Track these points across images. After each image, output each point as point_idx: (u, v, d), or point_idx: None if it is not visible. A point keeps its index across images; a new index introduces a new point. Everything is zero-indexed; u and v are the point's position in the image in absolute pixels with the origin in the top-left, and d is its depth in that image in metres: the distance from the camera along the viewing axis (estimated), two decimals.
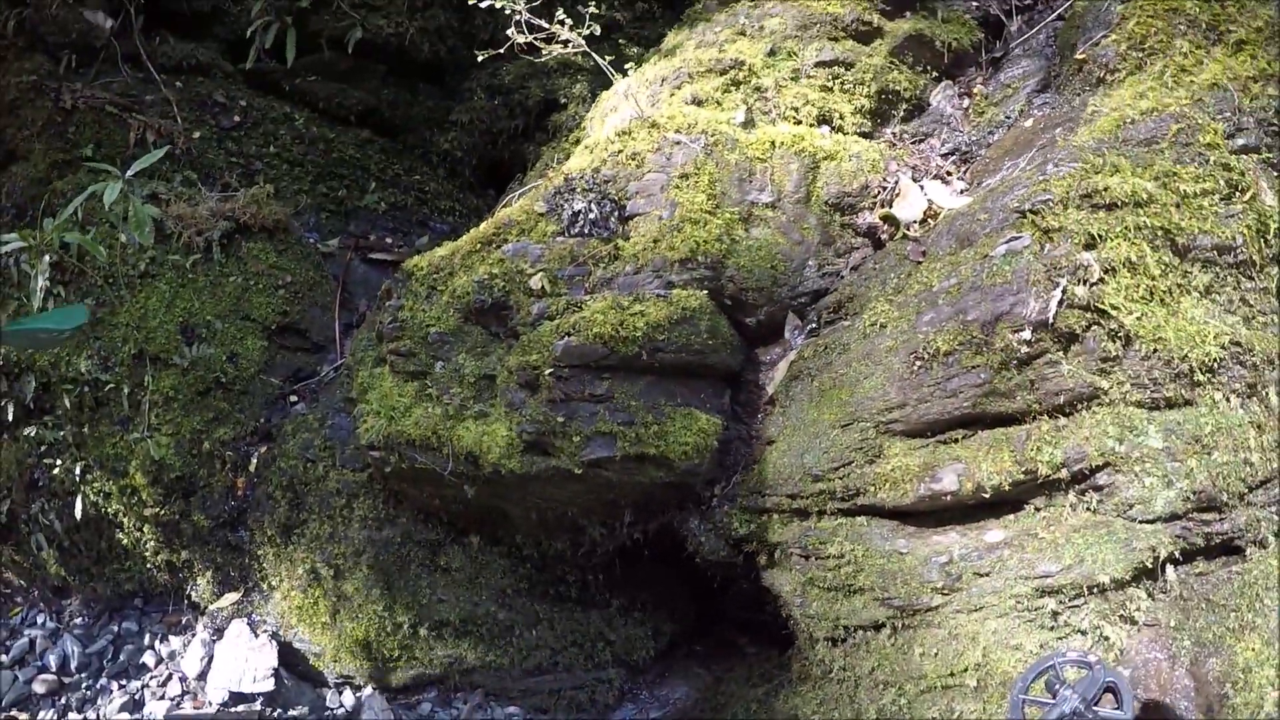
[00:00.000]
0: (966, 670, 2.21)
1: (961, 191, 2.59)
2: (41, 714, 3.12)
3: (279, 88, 3.84)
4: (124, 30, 3.59)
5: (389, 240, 3.89)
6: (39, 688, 3.23)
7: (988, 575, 2.18)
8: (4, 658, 3.31)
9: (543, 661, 2.96)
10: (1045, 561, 2.15)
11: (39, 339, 2.18)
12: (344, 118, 3.92)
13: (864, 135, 2.86)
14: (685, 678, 3.02)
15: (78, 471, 3.14)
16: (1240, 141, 2.31)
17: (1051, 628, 2.16)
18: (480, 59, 2.98)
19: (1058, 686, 2.00)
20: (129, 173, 2.56)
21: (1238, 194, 2.25)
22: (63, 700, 3.17)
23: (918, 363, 2.24)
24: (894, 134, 2.87)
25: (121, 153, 3.44)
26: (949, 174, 2.66)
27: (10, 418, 3.24)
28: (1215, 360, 2.14)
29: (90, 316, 3.00)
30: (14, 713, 3.17)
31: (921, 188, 2.56)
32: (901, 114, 2.94)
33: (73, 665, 3.26)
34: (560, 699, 2.97)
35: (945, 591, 2.21)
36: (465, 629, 2.97)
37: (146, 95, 3.58)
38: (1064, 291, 2.09)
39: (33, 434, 3.19)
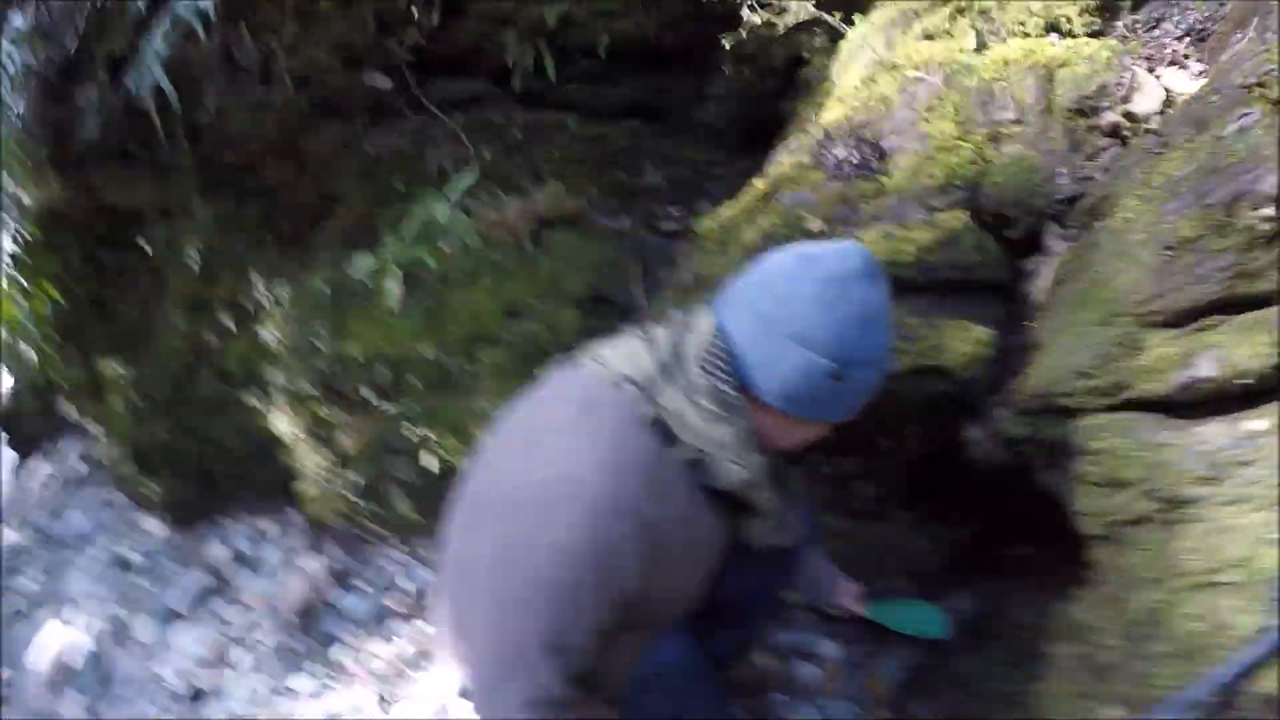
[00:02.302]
0: (1228, 566, 2.32)
1: (1199, 74, 2.65)
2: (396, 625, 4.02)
3: (547, 100, 4.45)
4: (402, 85, 4.31)
5: (674, 211, 4.39)
6: (394, 605, 4.15)
7: (1249, 464, 2.31)
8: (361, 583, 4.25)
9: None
10: None
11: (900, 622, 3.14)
12: (611, 114, 4.52)
13: (1094, 34, 3.00)
14: (970, 587, 3.30)
15: (429, 434, 3.90)
16: None
17: None
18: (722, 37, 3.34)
19: None
20: (452, 194, 3.15)
21: None
22: (416, 617, 4.05)
23: (1167, 252, 2.41)
24: (1125, 26, 2.98)
25: (427, 182, 4.11)
26: (1186, 57, 2.74)
27: (363, 397, 3.98)
28: None
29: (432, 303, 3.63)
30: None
31: (1157, 77, 2.68)
32: (1130, 3, 2.99)
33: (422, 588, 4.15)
34: None
35: (1207, 482, 2.36)
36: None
37: (434, 130, 4.29)
38: None
39: (390, 410, 3.96)
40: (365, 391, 3.99)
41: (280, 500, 4.79)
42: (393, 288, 3.81)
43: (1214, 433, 2.41)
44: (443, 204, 3.07)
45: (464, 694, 3.41)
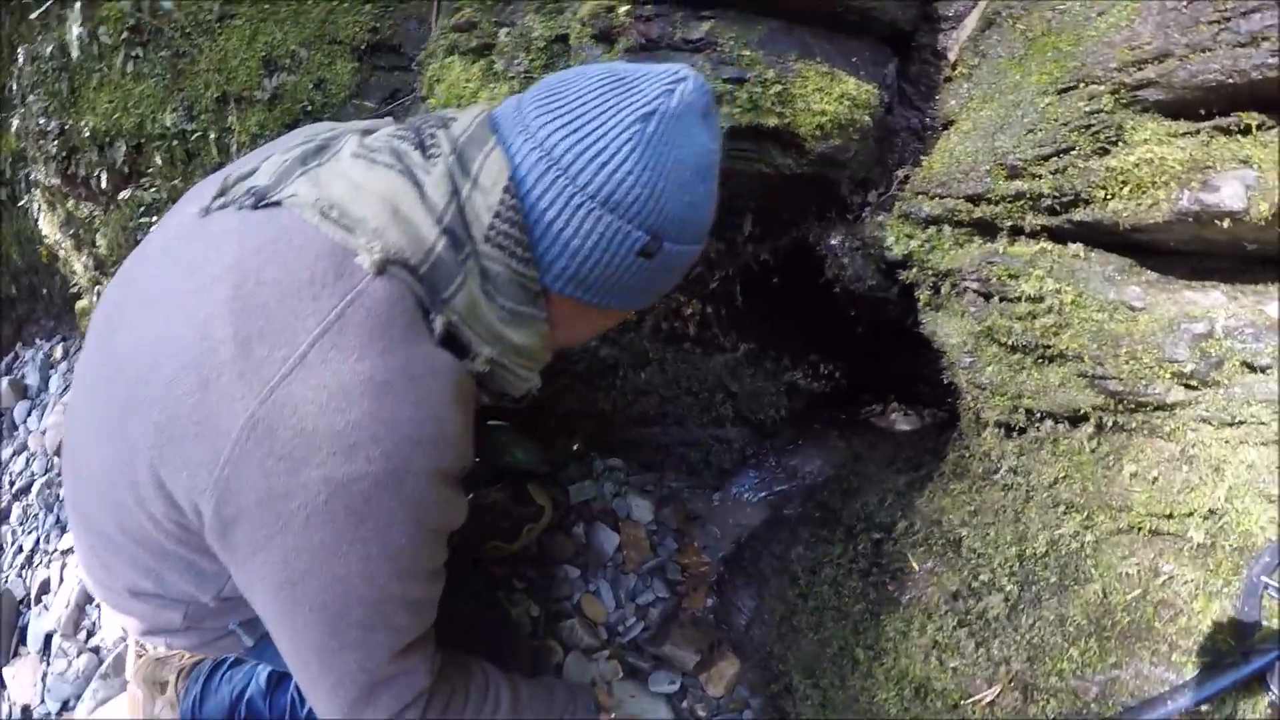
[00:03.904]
0: (1193, 515, 1.54)
1: None
2: None
3: None
4: None
5: None
6: None
7: (1264, 372, 1.41)
8: None
9: (650, 410, 2.47)
10: None
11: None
12: None
13: None
14: (821, 449, 2.45)
15: None
16: None
17: None
18: None
19: None
20: None
21: None
22: None
23: None
24: None
25: None
26: None
27: (105, 185, 3.10)
28: None
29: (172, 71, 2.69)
30: None
31: None
32: None
33: None
34: (669, 456, 2.50)
35: (1193, 382, 1.48)
36: (560, 366, 2.49)
37: None
38: None
39: (129, 196, 3.09)
40: (104, 177, 3.08)
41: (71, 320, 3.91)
42: (120, 48, 2.81)
43: (1216, 305, 1.47)
44: None
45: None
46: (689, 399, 2.45)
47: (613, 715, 2.07)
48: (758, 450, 2.47)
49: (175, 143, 3.06)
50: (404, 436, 1.23)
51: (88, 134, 3.18)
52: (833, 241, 1.97)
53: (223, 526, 1.25)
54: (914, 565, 1.94)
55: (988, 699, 1.74)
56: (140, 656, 2.17)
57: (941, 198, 1.73)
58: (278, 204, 1.30)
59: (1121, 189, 1.51)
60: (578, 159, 1.30)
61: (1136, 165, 1.50)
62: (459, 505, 1.37)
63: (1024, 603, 1.73)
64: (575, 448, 2.56)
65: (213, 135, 3.02)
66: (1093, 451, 1.67)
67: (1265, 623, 1.46)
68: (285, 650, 1.37)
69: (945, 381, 1.89)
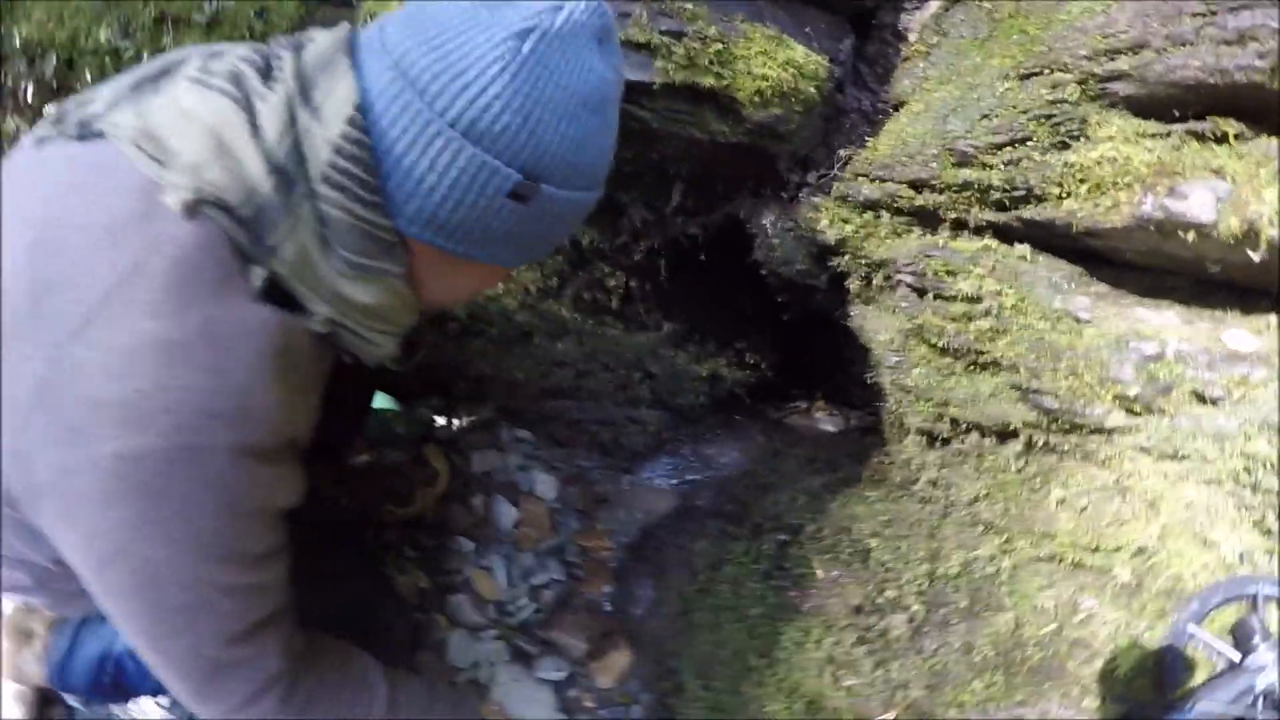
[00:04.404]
0: (1121, 551, 1.36)
1: None
2: None
3: None
4: None
5: None
6: None
7: (1215, 405, 1.24)
8: None
9: (564, 383, 2.23)
10: None
11: None
12: None
13: None
14: (740, 441, 2.25)
15: None
16: None
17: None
18: None
19: (1252, 630, 1.20)
20: None
21: None
22: None
23: None
24: None
25: None
26: None
27: (30, 98, 2.81)
28: None
29: None
30: None
31: None
32: None
33: None
34: (581, 433, 2.27)
35: (1136, 408, 1.29)
36: (473, 327, 2.25)
37: None
38: None
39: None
40: (31, 89, 2.77)
41: None
42: None
43: (1169, 328, 1.28)
44: None
45: None
46: (606, 375, 2.22)
47: None
48: (674, 436, 2.25)
49: (108, 59, 2.77)
50: (198, 408, 1.02)
51: (19, 44, 2.89)
52: (765, 220, 1.75)
53: (30, 500, 1.07)
54: (818, 572, 1.75)
55: None
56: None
57: (883, 181, 1.52)
58: (100, 135, 1.06)
59: (1079, 187, 1.31)
60: (436, 79, 1.05)
61: (1098, 163, 1.30)
62: (283, 483, 1.14)
63: (930, 625, 1.54)
64: (483, 415, 2.33)
65: (146, 54, 2.73)
66: (1019, 471, 1.48)
67: (1185, 676, 1.28)
68: (123, 633, 1.20)
69: (869, 381, 1.69)
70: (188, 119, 1.05)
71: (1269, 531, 1.29)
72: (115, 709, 2.10)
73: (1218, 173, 1.25)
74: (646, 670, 2.12)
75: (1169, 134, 1.31)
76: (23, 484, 1.06)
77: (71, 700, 2.11)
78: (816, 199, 1.65)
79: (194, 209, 1.02)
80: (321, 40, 1.11)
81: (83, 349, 0.99)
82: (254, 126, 1.05)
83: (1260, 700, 1.19)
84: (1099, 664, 1.34)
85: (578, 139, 1.10)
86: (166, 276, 1.02)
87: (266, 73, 1.09)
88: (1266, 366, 1.25)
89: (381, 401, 2.15)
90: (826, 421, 2.26)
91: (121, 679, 1.95)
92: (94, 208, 1.04)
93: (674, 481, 2.27)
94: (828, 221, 1.60)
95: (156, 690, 1.97)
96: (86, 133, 1.08)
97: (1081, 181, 1.31)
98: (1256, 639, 1.22)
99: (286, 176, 1.06)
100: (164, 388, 1.01)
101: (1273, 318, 1.32)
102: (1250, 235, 1.22)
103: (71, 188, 1.05)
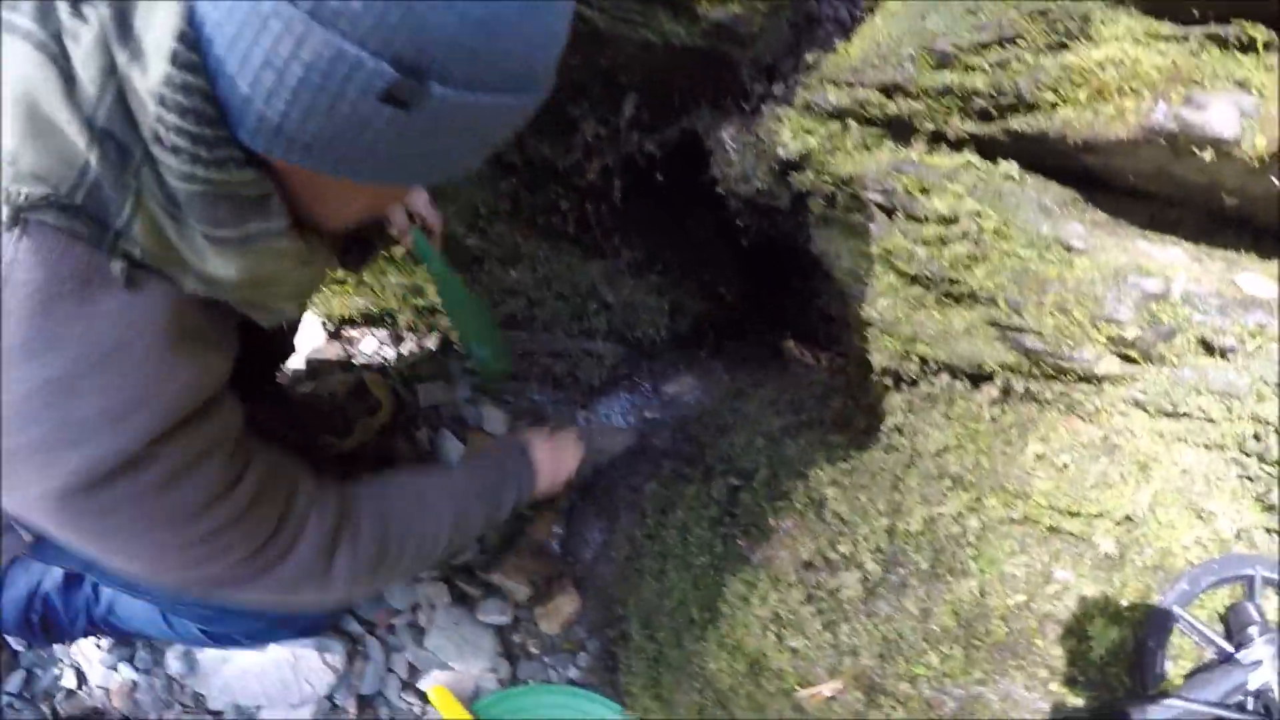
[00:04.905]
0: (1104, 518, 1.13)
1: None
2: None
3: None
4: None
5: None
6: None
7: (1224, 357, 1.01)
8: None
9: (518, 312, 2.02)
10: None
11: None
12: None
13: None
14: (703, 378, 2.02)
15: None
16: None
17: None
18: None
19: (1248, 618, 1.00)
20: None
21: None
22: None
23: None
24: None
25: None
26: None
27: None
28: None
29: None
30: None
31: None
32: None
33: None
34: (533, 365, 2.05)
35: (1133, 353, 1.05)
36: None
37: None
38: None
39: None
40: None
41: None
42: None
43: (1176, 265, 1.04)
44: None
45: None
46: (559, 304, 1.99)
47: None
48: (632, 371, 2.02)
49: None
50: (107, 426, 0.89)
51: None
52: (724, 134, 1.50)
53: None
54: (771, 522, 1.53)
55: (825, 693, 1.35)
56: None
57: (851, 86, 1.26)
58: None
59: (1077, 93, 1.06)
60: None
61: (1101, 65, 1.05)
62: (223, 417, 1.02)
63: (886, 587, 1.32)
64: (429, 345, 2.11)
65: None
66: (993, 420, 1.25)
67: (1169, 665, 1.07)
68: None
69: (834, 315, 1.46)
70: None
71: (1271, 507, 1.07)
72: (59, 652, 1.93)
73: (1242, 85, 1.00)
74: (594, 617, 1.93)
75: (1186, 37, 1.06)
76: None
77: (15, 644, 1.95)
78: (781, 110, 1.40)
79: (18, 222, 0.80)
80: None
81: None
82: (68, 82, 0.80)
83: (1251, 700, 0.99)
84: (1070, 644, 1.13)
85: (484, 20, 0.76)
86: (23, 310, 0.83)
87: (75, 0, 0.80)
88: None
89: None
90: (797, 361, 2.03)
91: (50, 617, 1.81)
92: None
93: (632, 420, 2.05)
94: (790, 133, 1.35)
95: (87, 632, 1.83)
96: None
97: (1080, 86, 1.06)
98: (1252, 629, 1.00)
99: (115, 141, 0.81)
100: (65, 423, 0.89)
101: None
102: (1278, 157, 0.99)
103: None
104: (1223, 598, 1.09)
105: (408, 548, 1.28)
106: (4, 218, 0.79)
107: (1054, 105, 1.07)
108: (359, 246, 1.15)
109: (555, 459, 1.61)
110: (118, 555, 1.02)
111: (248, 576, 1.11)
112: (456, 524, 1.36)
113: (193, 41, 0.76)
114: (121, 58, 0.78)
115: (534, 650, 1.92)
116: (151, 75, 0.77)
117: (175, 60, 0.76)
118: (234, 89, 0.77)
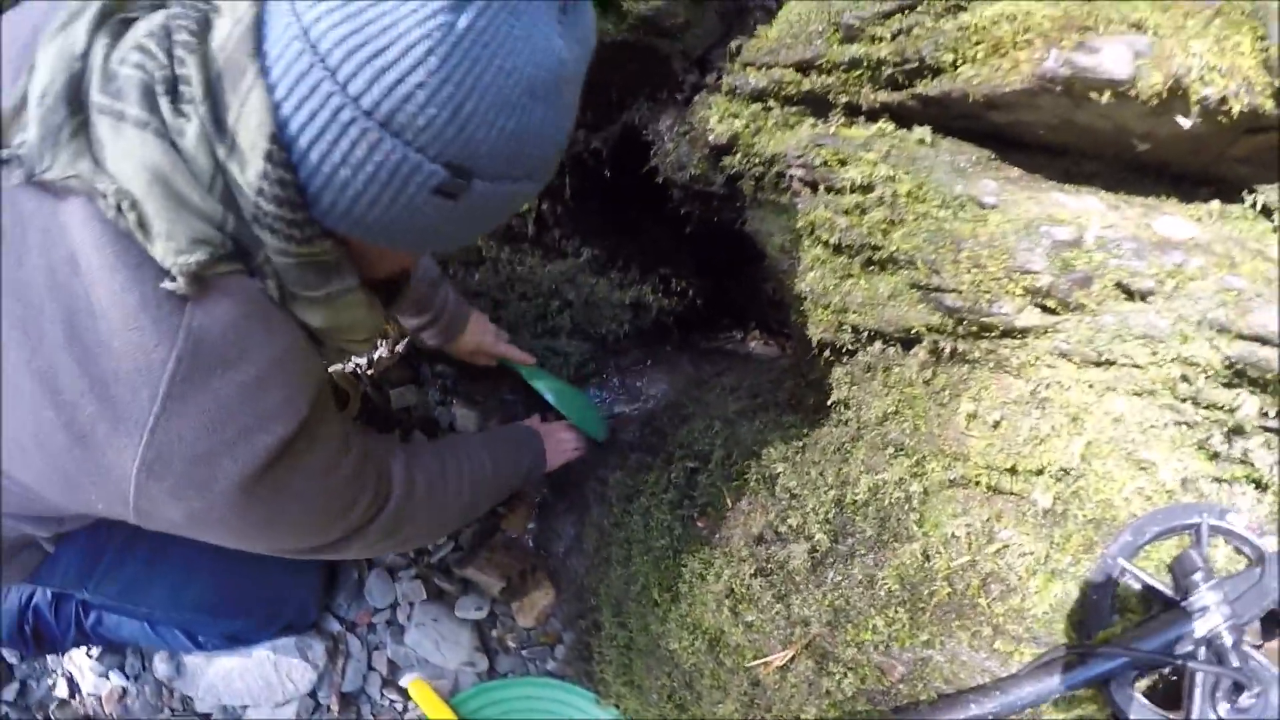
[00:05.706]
0: (1042, 474, 1.06)
1: None
2: None
3: None
4: None
5: None
6: None
7: (1144, 300, 0.95)
8: None
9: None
10: (1268, 309, 0.89)
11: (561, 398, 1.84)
12: None
13: None
14: (670, 372, 1.96)
15: None
16: None
17: (1228, 458, 1.00)
18: None
19: (1193, 566, 0.93)
20: None
21: None
22: None
23: None
24: None
25: None
26: None
27: None
28: None
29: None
30: None
31: None
32: None
33: None
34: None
35: (1050, 303, 1.01)
36: None
37: None
38: None
39: None
40: None
41: None
42: None
43: (1090, 212, 0.98)
44: None
45: None
46: (523, 305, 1.94)
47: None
48: (601, 368, 1.96)
49: None
50: (291, 406, 1.02)
51: None
52: (661, 126, 1.46)
53: (147, 524, 1.06)
54: (728, 501, 1.47)
55: (777, 663, 1.28)
56: None
57: (770, 67, 1.22)
58: (66, 188, 0.89)
59: (975, 51, 1.01)
60: (349, 58, 0.80)
61: (995, 22, 1.00)
62: (328, 395, 1.13)
63: (834, 556, 1.26)
64: (398, 348, 2.05)
65: None
66: (926, 384, 1.19)
67: (1115, 618, 1.01)
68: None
69: (775, 296, 1.40)
70: (136, 170, 0.87)
71: (1216, 455, 1.01)
72: (52, 663, 1.89)
73: (1137, 26, 0.94)
74: (570, 609, 1.87)
75: None
76: (147, 522, 1.04)
77: (10, 656, 1.90)
78: (710, 97, 1.35)
79: (199, 283, 0.91)
80: (227, 21, 0.87)
81: (173, 421, 0.94)
82: (189, 163, 0.88)
83: (1201, 648, 0.92)
84: (1015, 601, 1.06)
85: (517, 132, 0.87)
86: (224, 340, 0.94)
87: (174, 92, 0.87)
88: (1205, 254, 0.96)
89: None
90: (761, 350, 1.96)
91: (41, 628, 1.77)
92: (111, 291, 0.89)
93: (602, 415, 1.99)
94: (717, 118, 1.30)
95: (78, 642, 1.79)
96: (34, 179, 0.89)
97: (979, 45, 1.00)
98: (1197, 576, 0.94)
99: (235, 209, 0.92)
100: (259, 413, 0.99)
101: (1215, 205, 1.03)
102: (1176, 94, 0.92)
103: (74, 264, 0.89)
104: (1170, 549, 1.02)
105: (463, 494, 1.44)
106: (186, 290, 0.88)
107: (955, 66, 1.02)
108: (388, 290, 1.24)
109: (555, 441, 1.76)
110: (279, 527, 1.11)
111: (362, 528, 1.24)
112: (495, 475, 1.53)
113: (282, 141, 0.85)
114: (221, 152, 0.87)
115: (511, 644, 1.85)
116: (250, 170, 0.86)
117: (271, 158, 0.85)
118: (313, 179, 0.87)
